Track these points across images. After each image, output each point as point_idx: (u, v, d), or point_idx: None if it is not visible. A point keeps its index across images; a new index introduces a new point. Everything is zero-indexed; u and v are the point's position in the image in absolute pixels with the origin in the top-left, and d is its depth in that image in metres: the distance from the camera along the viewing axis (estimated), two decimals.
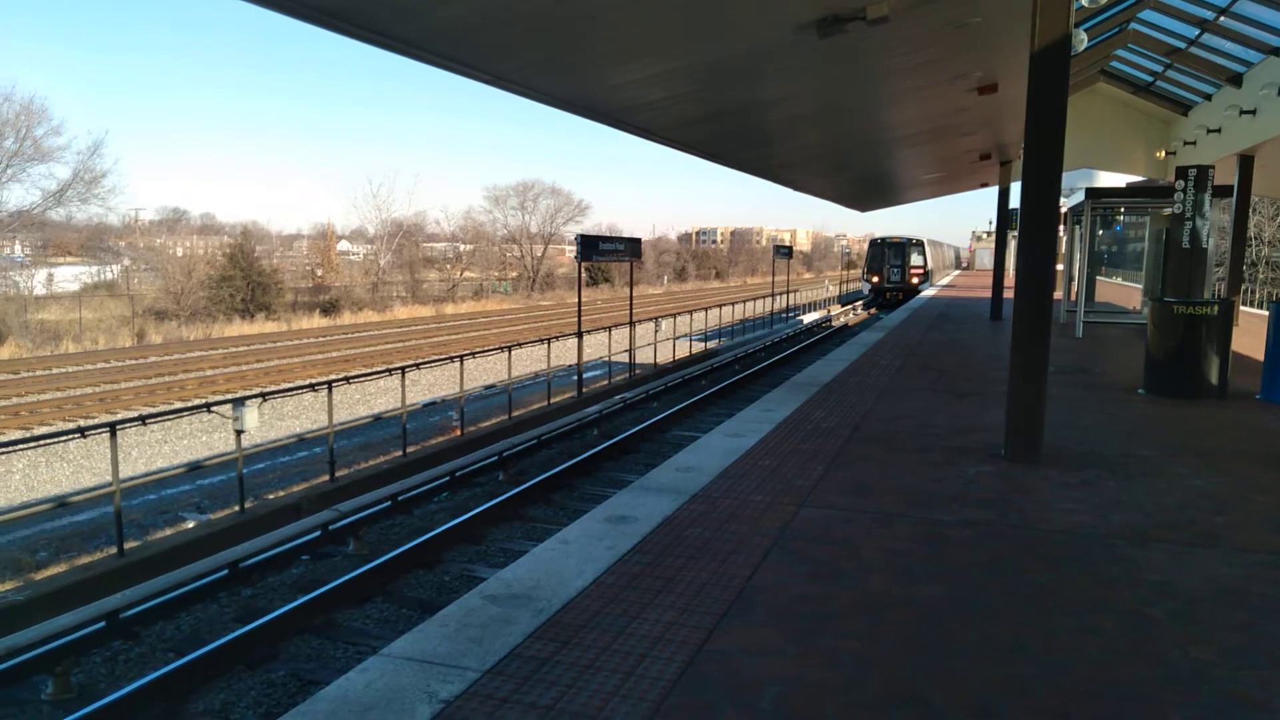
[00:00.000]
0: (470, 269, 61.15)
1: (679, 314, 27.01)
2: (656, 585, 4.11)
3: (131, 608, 6.74)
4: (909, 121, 17.29)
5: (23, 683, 5.85)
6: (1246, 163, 15.93)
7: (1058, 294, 16.52)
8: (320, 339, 31.87)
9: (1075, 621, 3.76)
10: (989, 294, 20.97)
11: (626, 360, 20.65)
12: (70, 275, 42.63)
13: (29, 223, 35.46)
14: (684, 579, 4.19)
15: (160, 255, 43.67)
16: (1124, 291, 22.06)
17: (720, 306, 31.63)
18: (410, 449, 12.59)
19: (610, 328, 21.22)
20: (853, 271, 54.77)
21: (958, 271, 61.34)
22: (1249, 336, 13.62)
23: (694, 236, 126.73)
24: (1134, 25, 15.24)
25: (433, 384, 21.47)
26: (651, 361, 22.32)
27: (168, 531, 10.19)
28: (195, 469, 11.05)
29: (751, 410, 8.69)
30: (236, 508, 9.91)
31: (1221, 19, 13.22)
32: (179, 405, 17.61)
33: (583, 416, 14.35)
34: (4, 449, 9.51)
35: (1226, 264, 18.16)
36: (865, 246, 43.44)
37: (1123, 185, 24.25)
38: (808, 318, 36.04)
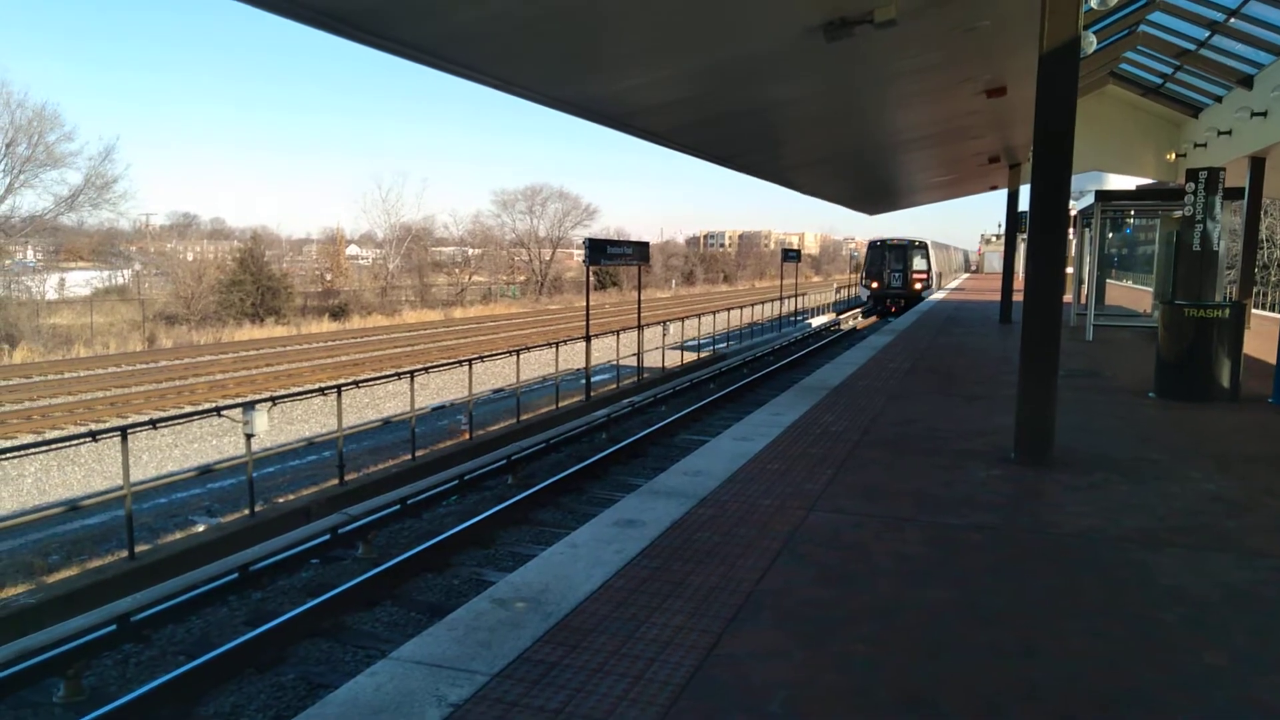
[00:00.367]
0: (478, 273, 61.31)
1: (687, 318, 27.03)
2: (665, 589, 4.11)
3: (142, 611, 6.78)
4: (917, 124, 17.25)
5: (35, 685, 5.88)
6: (1258, 165, 15.83)
7: (1067, 297, 16.45)
8: (329, 343, 31.98)
9: (1086, 625, 3.74)
10: (998, 297, 20.90)
11: (634, 364, 20.65)
12: (81, 280, 42.92)
13: (41, 228, 35.72)
14: (693, 583, 4.18)
15: (171, 260, 43.95)
16: (1134, 295, 21.94)
17: (728, 310, 31.61)
18: (419, 453, 12.62)
19: (618, 331, 21.23)
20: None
21: (967, 275, 61.17)
22: (1261, 339, 13.52)
23: (702, 240, 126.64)
24: (1143, 27, 15.17)
25: (441, 388, 21.51)
26: (659, 365, 22.32)
27: (178, 535, 10.23)
28: (205, 473, 11.08)
29: (760, 414, 8.68)
30: (246, 511, 9.94)
31: (1232, 21, 13.15)
32: (189, 409, 17.68)
33: (591, 420, 14.36)
34: (17, 453, 9.57)
35: (1238, 267, 18.02)
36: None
37: (1133, 188, 24.12)
38: (816, 321, 35.98)
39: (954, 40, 10.58)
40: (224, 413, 10.56)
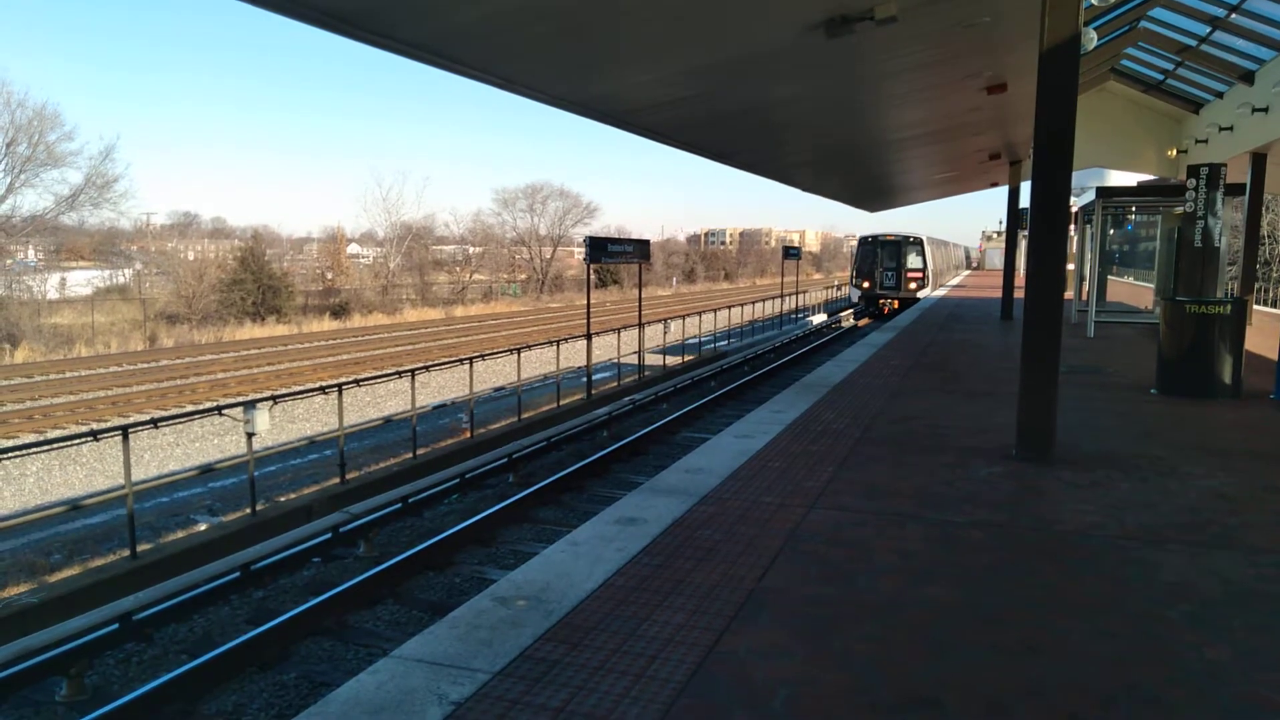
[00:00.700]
0: (479, 271, 61.28)
1: (688, 315, 27.02)
2: (666, 587, 4.11)
3: (144, 610, 6.78)
4: (917, 121, 17.22)
5: (37, 684, 5.88)
6: (1259, 161, 15.81)
7: (1068, 294, 16.44)
8: (330, 342, 31.99)
9: (1088, 623, 3.73)
10: (999, 294, 20.89)
11: (635, 362, 20.65)
12: (82, 279, 42.92)
13: (42, 227, 35.74)
14: (694, 581, 4.18)
15: (172, 259, 43.93)
16: (1136, 291, 21.92)
17: (729, 308, 31.60)
18: (420, 451, 12.63)
19: (619, 329, 21.23)
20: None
21: (968, 271, 61.13)
22: (1262, 336, 13.52)
23: (703, 238, 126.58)
24: (1144, 23, 15.14)
25: (442, 386, 21.51)
26: (660, 363, 22.31)
27: (180, 534, 10.24)
28: (207, 471, 11.10)
29: (761, 411, 8.67)
30: (248, 510, 9.95)
31: (1233, 16, 13.13)
32: (190, 408, 17.69)
33: (592, 418, 14.36)
34: (18, 452, 9.58)
35: (1239, 263, 18.03)
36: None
37: (1134, 184, 24.08)
38: (816, 319, 35.91)
39: (954, 36, 10.56)
40: (225, 412, 10.56)
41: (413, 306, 47.29)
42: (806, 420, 8.16)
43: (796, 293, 38.41)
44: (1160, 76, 18.16)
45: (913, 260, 34.12)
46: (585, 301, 19.83)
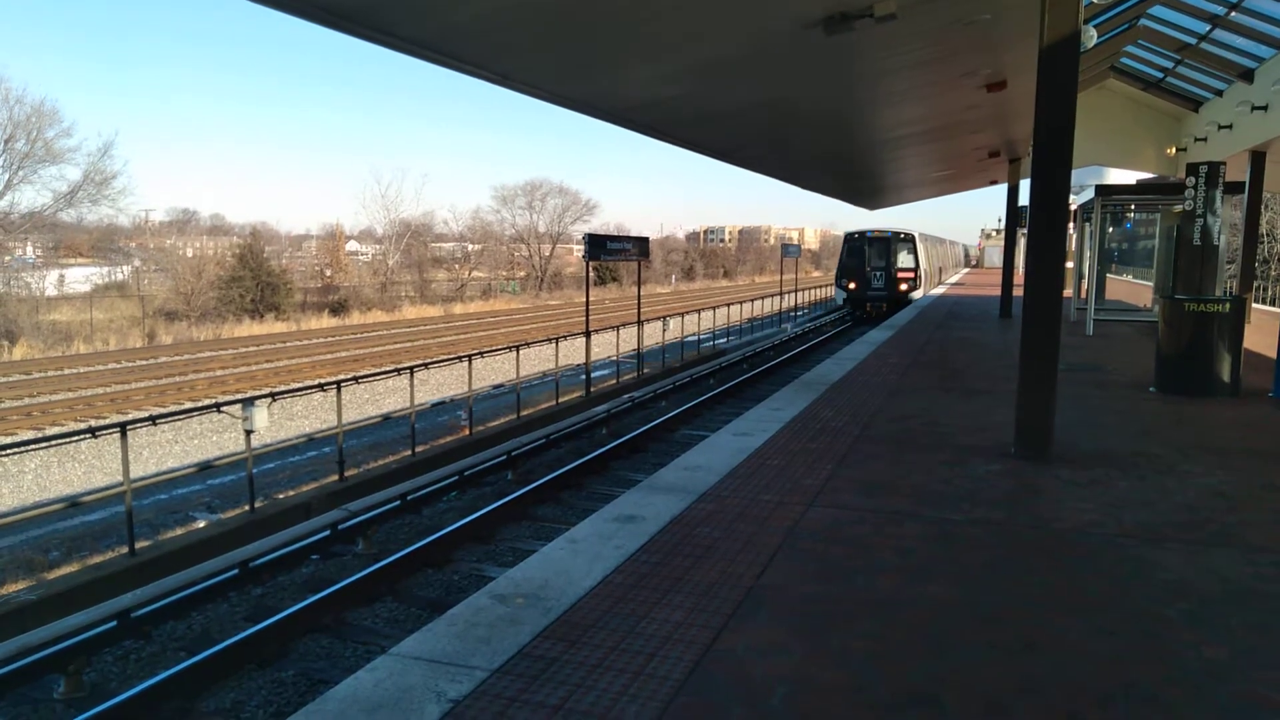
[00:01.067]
0: (478, 269, 61.23)
1: (686, 313, 27.01)
2: (665, 584, 4.11)
3: (143, 607, 6.77)
4: (917, 119, 17.20)
5: (35, 681, 5.88)
6: (1258, 159, 15.81)
7: (1067, 292, 16.44)
8: (329, 339, 31.98)
9: (1086, 621, 3.74)
10: (998, 292, 20.90)
11: (634, 359, 20.65)
12: (81, 276, 42.86)
13: (40, 224, 35.67)
14: (692, 578, 4.18)
15: (170, 256, 43.85)
16: (1134, 289, 21.94)
17: (728, 305, 31.58)
18: (419, 448, 12.62)
19: (618, 327, 21.22)
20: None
21: (967, 269, 61.13)
22: (1261, 334, 13.51)
23: (702, 235, 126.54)
24: (1144, 21, 15.13)
25: (441, 384, 21.50)
26: (660, 361, 22.31)
27: (178, 531, 10.24)
28: (205, 469, 11.10)
29: (760, 409, 8.67)
30: (247, 507, 9.94)
31: (1232, 14, 13.13)
32: (189, 405, 17.69)
33: (591, 416, 14.35)
34: (16, 449, 9.57)
35: (1238, 261, 18.03)
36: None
37: (1133, 182, 24.07)
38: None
39: (954, 33, 10.55)
40: (224, 409, 10.55)
41: (411, 304, 47.28)
42: (805, 418, 8.16)
43: (796, 290, 38.41)
44: (1160, 74, 18.15)
45: (903, 258, 31.32)
46: (584, 299, 19.82)
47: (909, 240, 31.38)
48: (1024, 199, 19.68)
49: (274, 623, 6.42)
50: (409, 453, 12.47)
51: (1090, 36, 11.02)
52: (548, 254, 65.17)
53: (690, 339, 25.87)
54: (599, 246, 18.48)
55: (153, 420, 9.77)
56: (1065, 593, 4.05)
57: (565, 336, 19.60)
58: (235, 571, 7.61)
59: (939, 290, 33.61)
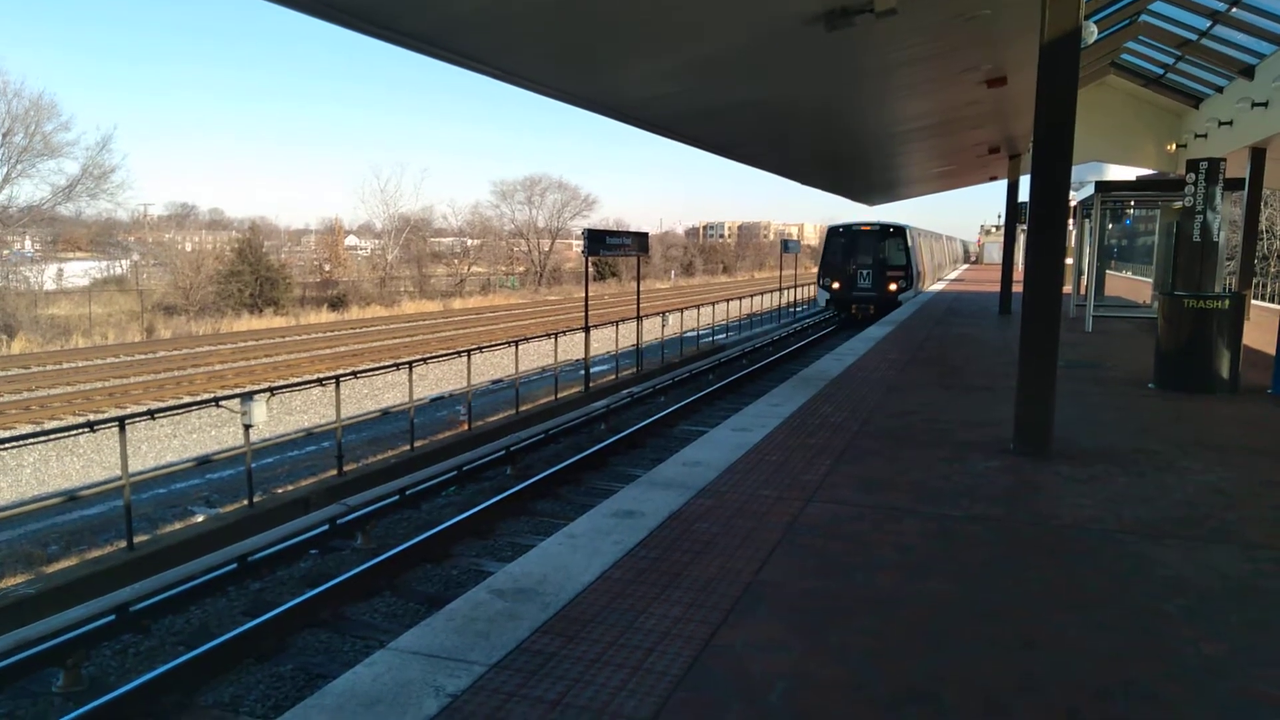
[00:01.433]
0: (477, 264, 61.16)
1: (686, 309, 26.99)
2: (663, 580, 4.10)
3: (141, 601, 6.77)
4: (917, 114, 17.18)
5: (34, 675, 5.88)
6: (1258, 155, 15.80)
7: (1067, 288, 16.44)
8: (328, 334, 31.94)
9: (1085, 618, 3.74)
10: (997, 288, 20.89)
11: (633, 355, 20.64)
12: (79, 270, 42.79)
13: (39, 218, 35.55)
14: (691, 574, 4.18)
15: (169, 250, 43.81)
16: (1134, 285, 21.93)
17: (727, 301, 31.55)
18: (418, 443, 12.62)
19: (617, 322, 21.20)
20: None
21: (966, 266, 61.13)
22: (1260, 330, 13.52)
23: (701, 231, 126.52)
24: (1145, 17, 15.11)
25: (440, 379, 21.48)
26: (659, 356, 22.29)
27: (177, 525, 10.23)
28: (204, 463, 11.09)
29: (758, 405, 8.67)
30: (245, 502, 9.94)
31: (1233, 10, 13.10)
32: (188, 400, 17.66)
33: (590, 411, 14.35)
34: (15, 443, 9.55)
35: (1238, 258, 18.02)
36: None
37: (1133, 178, 24.06)
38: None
39: (954, 29, 10.52)
40: (222, 403, 10.54)
41: (410, 299, 47.22)
42: (804, 414, 8.16)
43: (795, 286, 38.40)
44: (1160, 71, 18.13)
45: (894, 255, 28.33)
46: (583, 294, 19.79)
47: (900, 235, 28.46)
48: (1024, 195, 19.68)
49: (272, 617, 6.42)
50: (408, 448, 12.46)
51: (1091, 32, 10.98)
52: (547, 249, 65.10)
53: (689, 334, 25.85)
54: (598, 242, 18.45)
55: (151, 415, 9.76)
56: (1064, 589, 4.05)
57: (564, 332, 19.57)
58: (234, 566, 7.60)
59: (938, 286, 33.60)
